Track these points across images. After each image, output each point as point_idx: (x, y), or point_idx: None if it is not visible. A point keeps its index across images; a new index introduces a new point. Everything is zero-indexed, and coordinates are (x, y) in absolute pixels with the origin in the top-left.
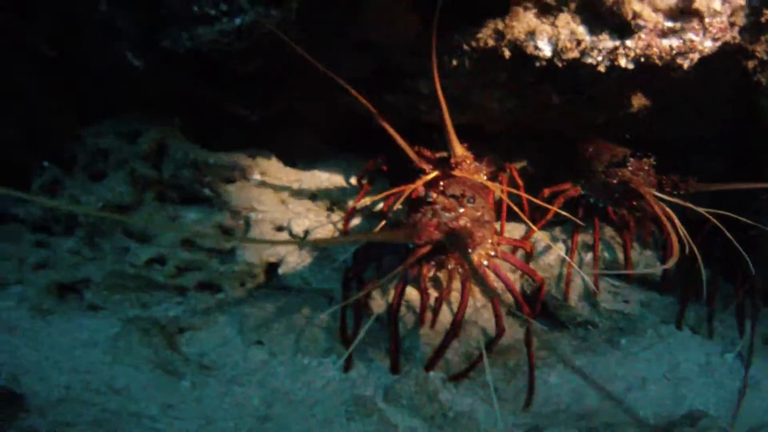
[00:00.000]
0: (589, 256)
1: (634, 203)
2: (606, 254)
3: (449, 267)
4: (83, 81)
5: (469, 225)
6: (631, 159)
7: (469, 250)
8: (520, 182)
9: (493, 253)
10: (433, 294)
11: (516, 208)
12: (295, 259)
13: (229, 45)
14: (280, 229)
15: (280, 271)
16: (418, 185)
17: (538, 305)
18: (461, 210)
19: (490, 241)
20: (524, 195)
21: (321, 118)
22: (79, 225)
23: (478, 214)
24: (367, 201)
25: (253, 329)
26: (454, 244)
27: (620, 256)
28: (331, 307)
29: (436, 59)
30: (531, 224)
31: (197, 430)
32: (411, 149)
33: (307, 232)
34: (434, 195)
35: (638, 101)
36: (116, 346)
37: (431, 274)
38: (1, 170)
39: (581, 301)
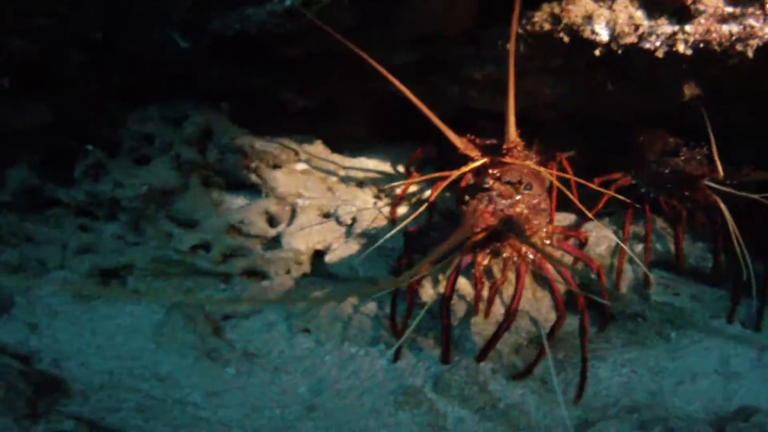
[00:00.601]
0: (639, 247)
1: (687, 193)
2: (657, 245)
3: (504, 255)
4: (129, 66)
5: (525, 212)
6: (684, 148)
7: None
8: (570, 171)
9: (548, 242)
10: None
11: (571, 196)
12: (342, 247)
13: (278, 26)
14: (326, 216)
15: (327, 258)
16: (463, 171)
17: (605, 292)
18: (518, 197)
19: (545, 229)
20: (577, 180)
21: (369, 105)
22: (123, 210)
23: (535, 201)
24: (413, 188)
25: (299, 317)
26: (511, 230)
27: (671, 247)
28: (379, 294)
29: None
30: (586, 212)
31: (242, 418)
32: (458, 136)
33: (354, 220)
34: (491, 181)
35: (690, 90)
36: (160, 333)
37: (486, 262)
38: (45, 154)
39: (631, 293)
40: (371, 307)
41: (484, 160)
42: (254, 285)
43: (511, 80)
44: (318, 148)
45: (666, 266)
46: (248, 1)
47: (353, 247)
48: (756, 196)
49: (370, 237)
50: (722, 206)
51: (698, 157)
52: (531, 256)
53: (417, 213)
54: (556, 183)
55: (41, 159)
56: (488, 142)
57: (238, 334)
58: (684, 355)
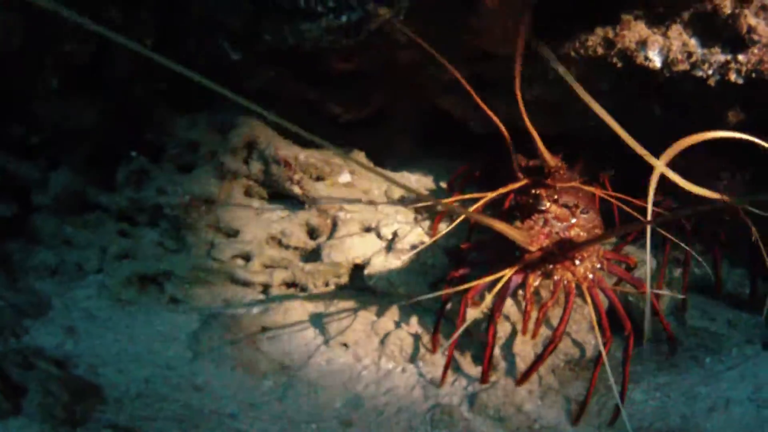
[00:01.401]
0: (678, 272)
1: (727, 218)
2: (695, 270)
3: (555, 278)
4: (178, 73)
5: (581, 235)
6: (725, 173)
7: (577, 262)
8: (610, 191)
9: (599, 266)
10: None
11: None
12: (381, 261)
13: (333, 42)
14: (368, 230)
15: (366, 272)
16: (504, 191)
17: (663, 319)
18: (573, 220)
19: (597, 254)
20: (625, 199)
21: (415, 121)
22: (164, 216)
23: (590, 225)
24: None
25: (337, 331)
26: (565, 254)
27: (709, 272)
28: (419, 310)
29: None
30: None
31: (278, 431)
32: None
33: (395, 235)
34: (548, 204)
35: (736, 117)
36: (197, 342)
37: (537, 283)
38: (89, 157)
39: (668, 317)
40: (411, 323)
41: (525, 181)
42: (292, 296)
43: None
44: (362, 161)
45: (703, 291)
46: (303, 15)
47: (393, 261)
48: None
49: (410, 252)
50: (755, 232)
51: (739, 181)
52: (581, 280)
53: (452, 226)
54: (615, 202)
55: (85, 162)
56: (532, 163)
57: (275, 346)
58: (718, 380)
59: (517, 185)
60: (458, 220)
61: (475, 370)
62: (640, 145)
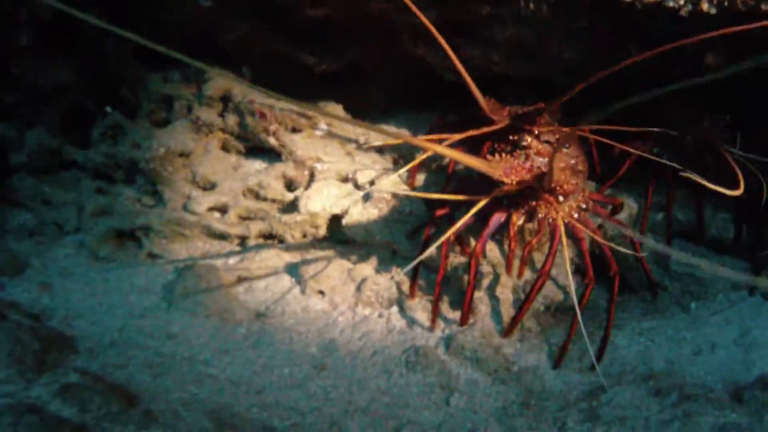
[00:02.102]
0: (660, 217)
1: (709, 162)
2: (679, 215)
3: (539, 216)
4: (150, 27)
5: (564, 171)
6: (707, 117)
7: (560, 198)
8: (591, 140)
9: (584, 206)
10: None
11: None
12: (359, 211)
13: None
14: (345, 180)
15: (344, 222)
16: (476, 133)
17: (645, 265)
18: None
19: (582, 194)
20: (606, 143)
21: (391, 72)
22: (140, 172)
23: (572, 162)
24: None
25: (314, 279)
26: (547, 187)
27: (693, 217)
28: (398, 257)
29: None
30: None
31: (250, 376)
32: (484, 98)
33: (371, 184)
34: (529, 139)
35: (713, 59)
36: (172, 292)
37: (521, 222)
38: (64, 115)
39: (651, 263)
40: (389, 270)
41: (506, 122)
42: (270, 248)
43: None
44: (339, 114)
45: (687, 236)
46: None
47: (371, 211)
48: None
49: (387, 201)
50: (740, 175)
51: (721, 125)
52: (566, 219)
53: (419, 160)
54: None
55: (61, 121)
56: (512, 109)
57: (252, 295)
58: (703, 325)
59: (490, 129)
60: (425, 156)
61: (454, 314)
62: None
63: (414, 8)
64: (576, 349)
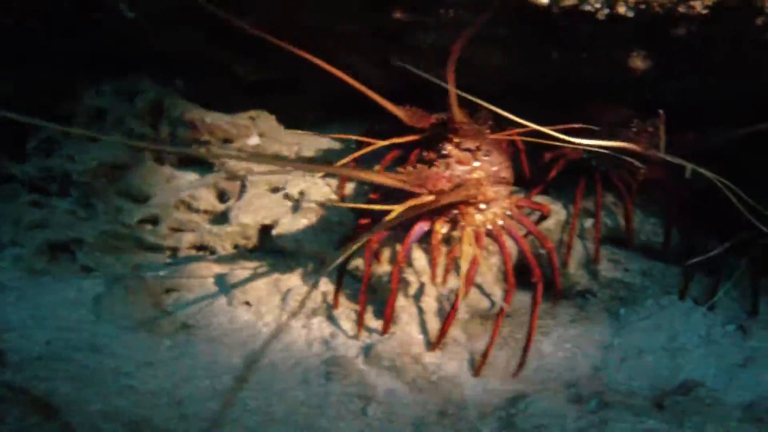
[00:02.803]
0: (589, 222)
1: (637, 166)
2: (607, 221)
3: (462, 224)
4: (82, 40)
5: (483, 179)
6: (635, 120)
7: (483, 206)
8: (521, 146)
9: (509, 213)
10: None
11: None
12: (289, 221)
13: None
14: (275, 190)
15: (274, 232)
16: (405, 141)
17: (557, 275)
18: (476, 164)
19: (507, 200)
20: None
21: (326, 82)
22: (75, 185)
23: (494, 169)
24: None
25: (242, 290)
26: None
27: (622, 222)
28: (323, 267)
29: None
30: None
31: (171, 387)
32: (401, 108)
33: (302, 194)
34: (449, 147)
35: (642, 62)
36: (100, 305)
37: (444, 231)
38: (1, 128)
39: (581, 269)
40: (314, 281)
41: (426, 131)
42: (200, 259)
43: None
44: (271, 124)
45: (617, 242)
46: None
47: (301, 221)
48: (708, 173)
49: (317, 211)
50: (669, 179)
51: (650, 129)
52: (489, 226)
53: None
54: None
55: None
56: (440, 116)
57: (180, 307)
58: (631, 331)
59: (411, 138)
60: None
61: (377, 324)
62: (551, 93)
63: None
64: (502, 356)
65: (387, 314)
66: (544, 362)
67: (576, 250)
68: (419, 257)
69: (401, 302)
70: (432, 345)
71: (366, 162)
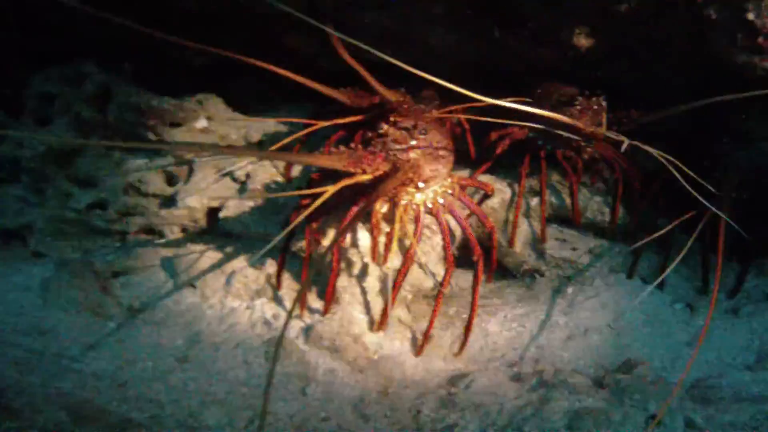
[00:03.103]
0: (535, 201)
1: (581, 144)
2: (553, 199)
3: (402, 203)
4: (30, 26)
5: (420, 158)
6: (580, 98)
7: (421, 185)
8: (466, 125)
9: (450, 192)
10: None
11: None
12: (236, 204)
13: None
14: (223, 173)
15: (221, 215)
16: (342, 122)
17: (494, 253)
18: (413, 142)
19: (448, 179)
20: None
21: (270, 63)
22: (24, 170)
23: (432, 147)
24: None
25: (188, 273)
26: (400, 175)
27: (568, 201)
28: (265, 249)
29: None
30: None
31: (114, 370)
32: (340, 91)
33: (248, 176)
34: (385, 127)
35: (585, 40)
36: (48, 289)
37: (384, 209)
38: None
39: (527, 248)
40: (260, 261)
41: (361, 116)
42: (148, 243)
43: None
44: (219, 107)
45: (563, 221)
46: None
47: (247, 204)
48: (653, 150)
49: (262, 193)
50: (618, 158)
51: (594, 107)
52: (430, 205)
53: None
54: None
55: None
56: (376, 98)
57: (127, 290)
58: (578, 310)
59: (351, 119)
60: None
61: (319, 304)
62: (496, 72)
63: None
64: (447, 336)
65: (328, 294)
66: (489, 342)
67: (522, 230)
68: (363, 237)
69: (344, 283)
70: (375, 325)
71: (316, 143)
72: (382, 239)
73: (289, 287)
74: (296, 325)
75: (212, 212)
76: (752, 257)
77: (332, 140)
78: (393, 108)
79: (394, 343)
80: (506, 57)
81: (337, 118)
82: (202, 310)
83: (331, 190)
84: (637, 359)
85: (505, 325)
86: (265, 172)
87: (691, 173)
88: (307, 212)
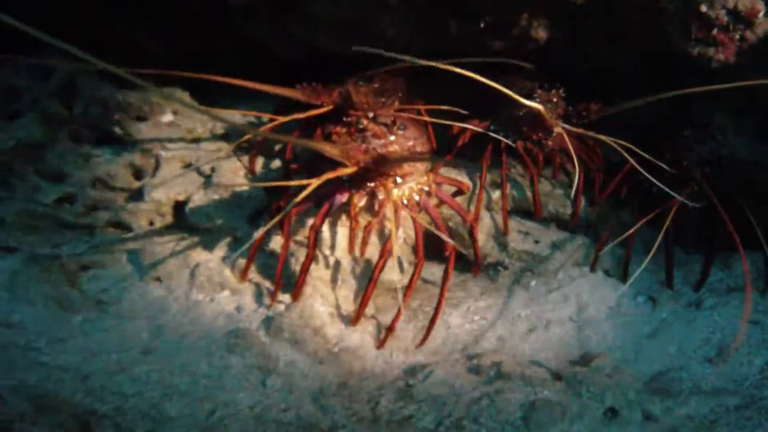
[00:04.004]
0: (497, 194)
1: (541, 136)
2: (515, 192)
3: (380, 197)
4: None
5: (399, 152)
6: (539, 90)
7: (399, 180)
8: (426, 118)
9: (427, 189)
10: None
11: None
12: (201, 198)
13: None
14: (188, 166)
15: (187, 209)
16: (306, 116)
17: (477, 247)
18: (392, 137)
19: (424, 176)
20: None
21: (230, 55)
22: None
23: (410, 143)
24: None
25: (153, 267)
26: (382, 169)
27: (529, 194)
28: (239, 242)
29: None
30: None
31: (80, 362)
32: (294, 89)
33: (213, 170)
34: (365, 122)
35: (543, 32)
36: (15, 283)
37: (362, 203)
38: None
39: (490, 241)
40: (221, 254)
41: (328, 107)
42: (116, 237)
43: None
44: (185, 100)
45: (526, 214)
46: None
47: (213, 197)
48: (608, 139)
49: (227, 187)
50: (571, 148)
51: (554, 99)
52: (405, 200)
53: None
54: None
55: None
56: (341, 89)
57: (95, 284)
58: (540, 303)
59: (310, 113)
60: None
61: (281, 297)
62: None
63: None
64: (409, 329)
65: (300, 280)
66: (450, 333)
67: (484, 223)
68: (326, 230)
69: (310, 275)
70: (352, 320)
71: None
72: (359, 232)
73: (252, 279)
74: (258, 318)
75: (178, 206)
76: (716, 250)
77: (295, 135)
78: (352, 104)
79: (355, 336)
80: (466, 51)
81: (296, 113)
82: (167, 302)
83: (315, 183)
84: (595, 352)
85: (467, 318)
86: (230, 165)
87: (651, 158)
88: (297, 200)
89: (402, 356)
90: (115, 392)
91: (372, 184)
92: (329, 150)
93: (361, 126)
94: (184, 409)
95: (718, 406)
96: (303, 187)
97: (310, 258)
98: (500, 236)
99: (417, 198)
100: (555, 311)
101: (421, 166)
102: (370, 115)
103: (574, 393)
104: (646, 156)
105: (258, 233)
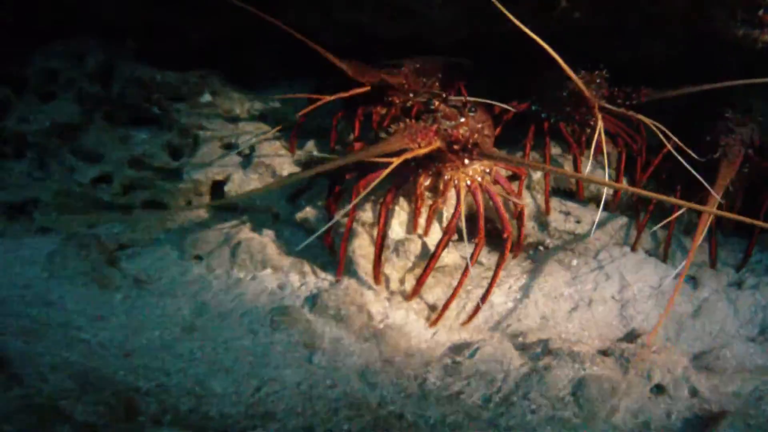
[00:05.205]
0: (538, 174)
1: (585, 115)
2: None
3: (446, 177)
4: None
5: (469, 135)
6: (582, 71)
7: (467, 161)
8: (466, 97)
9: (488, 170)
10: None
11: None
12: (240, 177)
13: None
14: (228, 146)
15: (226, 188)
16: (351, 93)
17: (522, 232)
18: (462, 119)
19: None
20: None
21: (272, 38)
22: (29, 146)
23: (479, 126)
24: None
25: (193, 245)
26: (457, 151)
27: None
28: (279, 221)
29: None
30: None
31: (122, 339)
32: (344, 61)
33: (252, 150)
34: (437, 103)
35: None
36: (53, 261)
37: (428, 183)
38: None
39: (531, 221)
40: (265, 234)
41: (367, 88)
42: (153, 216)
43: None
44: (222, 82)
45: (567, 194)
46: None
47: (251, 177)
48: (649, 121)
49: (267, 166)
50: (600, 128)
51: (597, 80)
52: (469, 182)
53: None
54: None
55: None
56: (382, 71)
57: (133, 263)
58: (582, 282)
59: (355, 92)
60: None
61: (324, 275)
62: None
63: None
64: (453, 306)
65: (377, 254)
66: (493, 312)
67: (526, 203)
68: (366, 208)
69: (349, 252)
70: (408, 295)
71: (321, 116)
72: (424, 210)
73: (293, 258)
74: (302, 295)
75: (216, 185)
76: (757, 231)
77: (339, 115)
78: (392, 84)
79: (399, 313)
80: (509, 32)
81: (339, 93)
82: (208, 280)
83: (395, 163)
84: (641, 330)
85: (509, 297)
86: (271, 145)
87: (686, 148)
88: (376, 182)
89: (446, 334)
90: (158, 369)
91: (440, 165)
92: (391, 148)
93: (433, 107)
94: (230, 386)
95: (762, 385)
96: (373, 164)
97: (382, 236)
98: (541, 216)
99: (479, 179)
100: (597, 290)
101: (488, 149)
102: (443, 96)
103: (622, 369)
104: (682, 145)
105: (339, 214)
